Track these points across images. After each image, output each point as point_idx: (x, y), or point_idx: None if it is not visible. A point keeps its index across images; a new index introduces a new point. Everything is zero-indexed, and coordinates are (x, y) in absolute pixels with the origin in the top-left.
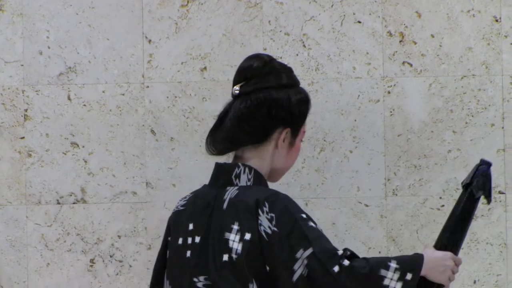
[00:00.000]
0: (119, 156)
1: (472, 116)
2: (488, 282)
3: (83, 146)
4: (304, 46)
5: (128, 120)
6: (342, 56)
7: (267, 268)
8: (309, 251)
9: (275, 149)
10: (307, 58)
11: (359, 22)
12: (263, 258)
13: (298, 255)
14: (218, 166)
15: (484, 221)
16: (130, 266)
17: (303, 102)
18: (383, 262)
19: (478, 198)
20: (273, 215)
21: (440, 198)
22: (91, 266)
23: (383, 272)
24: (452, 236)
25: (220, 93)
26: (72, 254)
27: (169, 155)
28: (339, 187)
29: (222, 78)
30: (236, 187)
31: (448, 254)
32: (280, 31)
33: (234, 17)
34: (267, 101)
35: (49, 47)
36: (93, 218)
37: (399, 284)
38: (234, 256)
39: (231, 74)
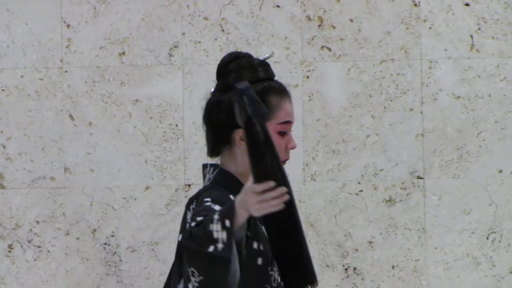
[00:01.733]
0: (38, 141)
1: (391, 100)
2: (407, 267)
3: (1, 131)
4: (223, 30)
5: (46, 105)
6: (261, 41)
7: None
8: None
9: (241, 149)
10: (225, 43)
11: (278, 6)
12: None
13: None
14: (202, 166)
15: (403, 206)
16: (49, 251)
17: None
18: (211, 218)
19: (253, 124)
20: (193, 207)
21: (359, 183)
22: (9, 251)
23: (210, 226)
24: (255, 169)
25: (139, 77)
26: None
27: (87, 140)
28: None
29: (141, 62)
30: (200, 188)
31: (246, 187)
32: (199, 15)
33: (153, 1)
34: (212, 105)
35: None
36: (11, 203)
37: (224, 233)
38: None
39: (150, 59)
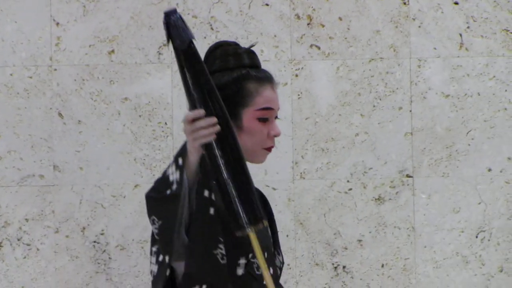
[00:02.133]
0: (27, 139)
1: (380, 99)
2: (396, 266)
3: None
4: (212, 29)
5: (36, 103)
6: (250, 39)
7: None
8: None
9: None
10: (215, 41)
11: (267, 4)
12: None
13: None
14: None
15: (392, 205)
16: (38, 249)
17: (221, 87)
18: (169, 163)
19: (180, 49)
20: None
21: (348, 181)
22: None
23: (167, 171)
24: (189, 98)
25: (128, 76)
26: None
27: (76, 138)
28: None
29: (130, 61)
30: None
31: (184, 118)
32: (188, 13)
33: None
34: None
35: None
36: (1, 201)
37: (177, 173)
38: None
39: (139, 57)
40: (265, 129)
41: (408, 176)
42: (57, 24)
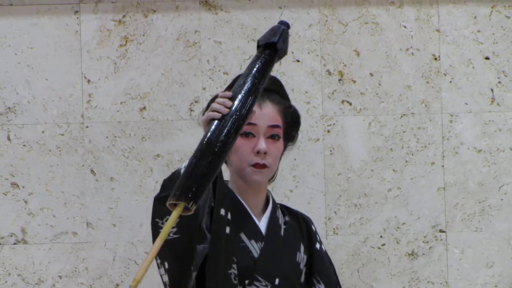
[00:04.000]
0: (59, 196)
1: (412, 154)
2: None
3: (23, 187)
4: None
5: (68, 160)
6: None
7: None
8: None
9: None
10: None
11: (298, 61)
12: None
13: None
14: None
15: (425, 260)
16: None
17: (207, 105)
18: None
19: (277, 57)
20: None
21: (381, 237)
22: None
23: (178, 168)
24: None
25: (160, 132)
26: None
27: (109, 195)
28: None
29: (162, 117)
30: None
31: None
32: (219, 70)
33: (173, 56)
34: None
35: None
36: (34, 258)
37: (187, 161)
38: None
39: (171, 113)
40: (248, 145)
41: (441, 231)
42: (88, 81)
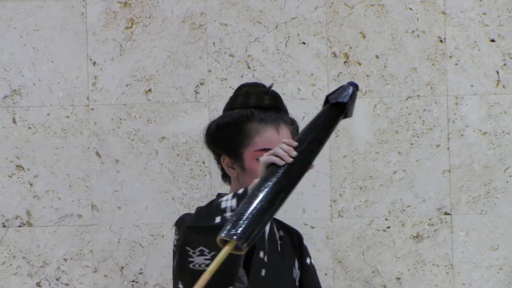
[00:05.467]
0: (65, 178)
1: (418, 137)
2: None
3: (29, 169)
4: (249, 67)
5: (73, 142)
6: (287, 78)
7: None
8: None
9: (232, 176)
10: (251, 80)
11: (304, 43)
12: None
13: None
14: None
15: (430, 243)
16: None
17: (222, 126)
18: (218, 197)
19: (342, 117)
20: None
21: (386, 219)
22: None
23: (218, 200)
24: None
25: (165, 115)
26: (18, 278)
27: (114, 177)
28: (284, 209)
29: (167, 100)
30: None
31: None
32: (225, 52)
33: (179, 38)
34: (209, 130)
35: None
36: (39, 241)
37: (234, 201)
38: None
39: (176, 96)
40: None
41: (446, 213)
42: (94, 63)
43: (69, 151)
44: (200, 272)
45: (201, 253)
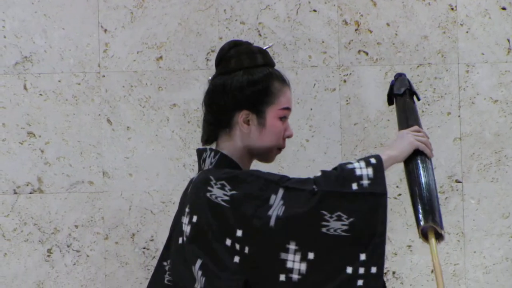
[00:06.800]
0: (76, 145)
1: (429, 104)
2: (446, 271)
3: (40, 136)
4: (260, 35)
5: (84, 109)
6: (298, 45)
7: (238, 232)
8: (281, 191)
9: (242, 132)
10: (263, 47)
11: (315, 10)
12: (230, 226)
13: (271, 201)
14: (196, 151)
15: (442, 210)
16: (87, 255)
17: (252, 83)
18: (346, 163)
19: (404, 95)
20: (222, 182)
21: (397, 187)
22: (49, 256)
23: (350, 165)
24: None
25: (176, 82)
26: (29, 244)
27: (125, 144)
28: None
29: (178, 67)
30: (201, 171)
31: (404, 131)
32: (236, 20)
33: (190, 6)
34: (217, 87)
35: (4, 37)
36: (50, 208)
37: (370, 169)
38: (184, 238)
39: (187, 63)
40: (283, 128)
41: (457, 181)
42: (105, 30)
43: (80, 118)
44: (334, 237)
45: (339, 218)
